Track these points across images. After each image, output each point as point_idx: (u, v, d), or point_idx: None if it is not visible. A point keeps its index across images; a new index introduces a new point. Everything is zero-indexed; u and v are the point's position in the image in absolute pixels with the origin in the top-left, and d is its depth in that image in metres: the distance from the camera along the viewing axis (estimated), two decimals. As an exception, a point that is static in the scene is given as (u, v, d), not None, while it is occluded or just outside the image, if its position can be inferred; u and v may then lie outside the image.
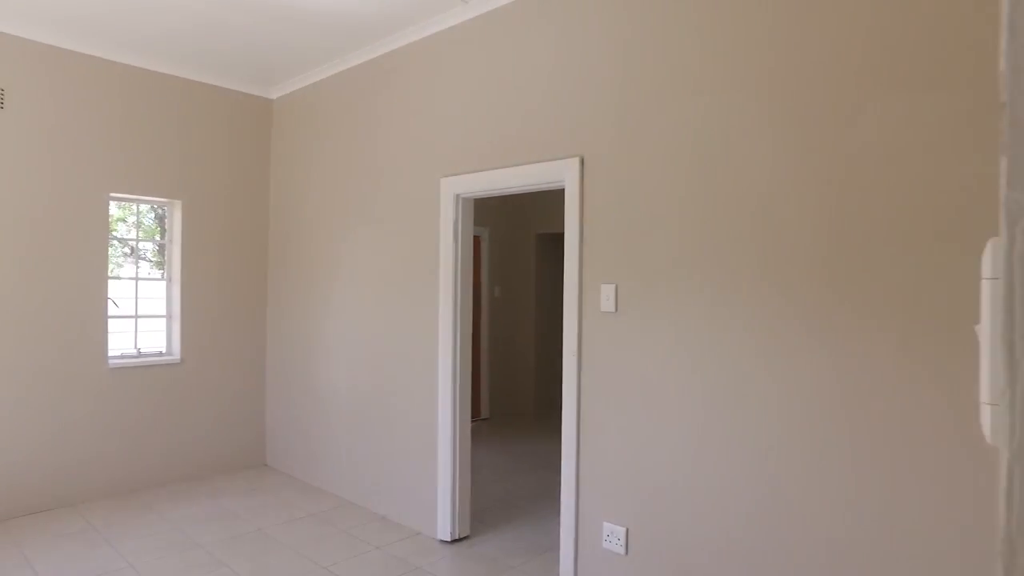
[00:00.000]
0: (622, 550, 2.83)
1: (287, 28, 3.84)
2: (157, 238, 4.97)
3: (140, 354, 4.59)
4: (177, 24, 3.80)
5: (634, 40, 2.82)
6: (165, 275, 4.77)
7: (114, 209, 4.57)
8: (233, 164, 4.92)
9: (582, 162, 2.99)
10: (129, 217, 4.95)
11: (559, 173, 3.07)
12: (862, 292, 2.17)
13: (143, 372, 4.49)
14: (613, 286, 2.87)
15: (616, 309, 2.86)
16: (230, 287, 4.91)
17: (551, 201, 6.88)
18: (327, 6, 3.53)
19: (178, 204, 4.67)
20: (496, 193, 3.45)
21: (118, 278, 4.63)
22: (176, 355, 4.67)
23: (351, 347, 4.30)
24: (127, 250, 5.12)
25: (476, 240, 6.57)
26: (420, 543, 3.60)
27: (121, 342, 4.56)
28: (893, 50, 2.11)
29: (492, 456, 5.46)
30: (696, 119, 2.61)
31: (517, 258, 7.15)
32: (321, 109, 4.61)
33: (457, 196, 3.59)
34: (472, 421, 3.68)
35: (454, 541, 3.61)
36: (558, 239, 7.27)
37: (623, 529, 2.83)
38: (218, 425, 4.86)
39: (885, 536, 2.11)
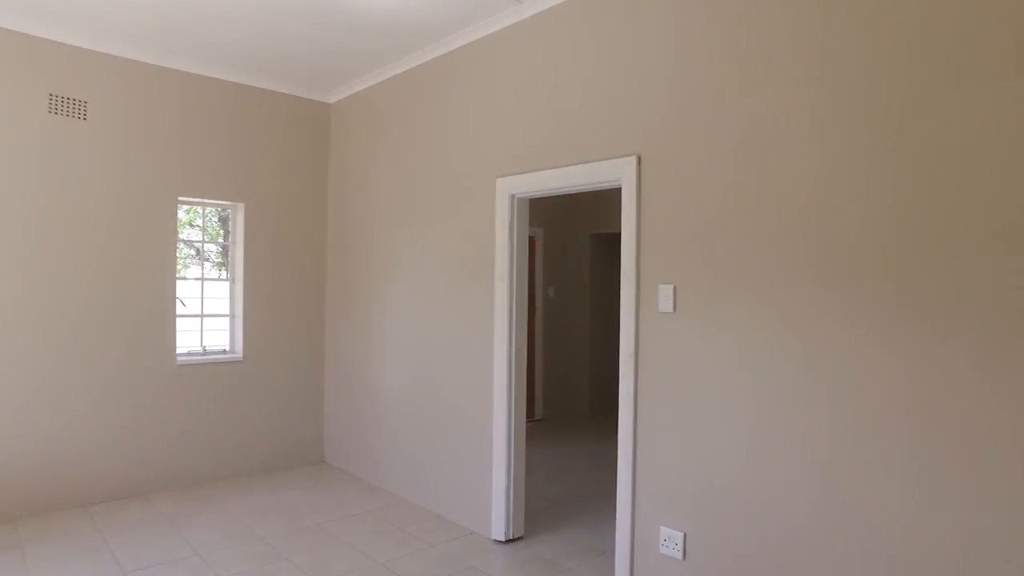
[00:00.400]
0: (680, 555, 2.77)
1: (345, 34, 3.92)
2: (221, 240, 5.14)
3: (205, 352, 4.75)
4: (242, 34, 3.92)
5: (692, 36, 2.76)
6: (228, 276, 4.93)
7: (181, 213, 4.75)
8: (293, 167, 5.05)
9: (639, 160, 2.94)
10: (195, 220, 5.14)
11: (615, 172, 3.03)
12: (934, 295, 2.06)
13: (208, 369, 4.65)
14: (671, 286, 2.81)
15: (674, 310, 2.81)
16: (290, 287, 5.04)
17: (606, 201, 6.82)
18: (383, 11, 3.58)
19: (241, 207, 4.82)
20: (552, 193, 3.43)
21: (184, 279, 4.81)
22: (239, 353, 4.81)
23: (407, 346, 4.35)
24: (193, 251, 5.32)
25: (531, 240, 6.57)
26: (474, 542, 3.61)
27: (188, 340, 4.74)
28: (964, 38, 2.00)
29: (546, 457, 5.44)
30: (758, 115, 2.53)
31: (572, 258, 7.11)
32: (377, 112, 4.69)
33: (512, 196, 3.59)
34: (526, 422, 3.67)
35: (508, 541, 3.61)
36: (613, 239, 7.20)
37: (681, 534, 2.77)
38: (278, 422, 4.99)
39: (955, 553, 1.99)
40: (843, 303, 2.28)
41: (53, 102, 3.96)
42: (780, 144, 2.46)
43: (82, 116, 4.07)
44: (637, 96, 2.97)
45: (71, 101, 4.02)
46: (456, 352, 3.94)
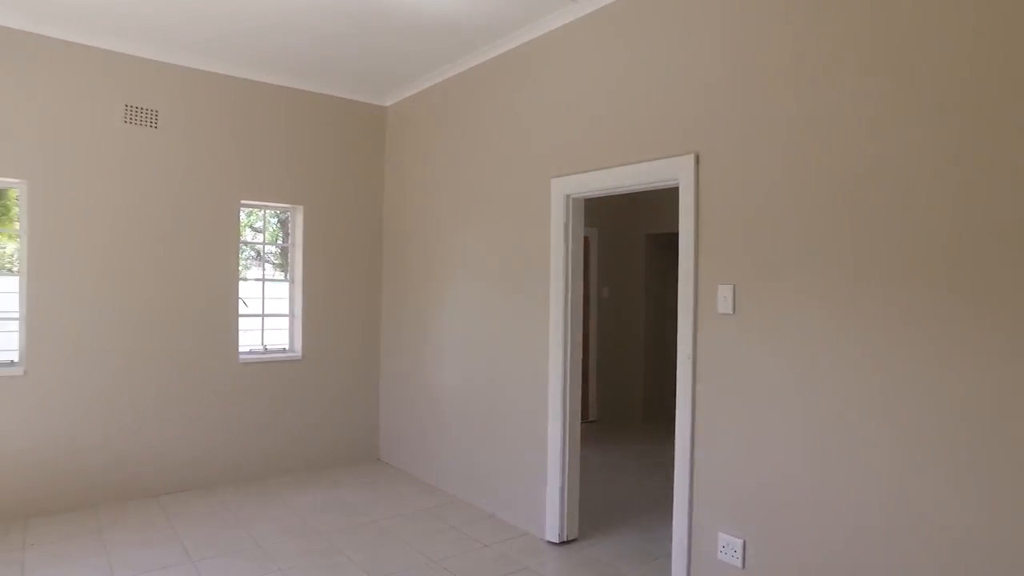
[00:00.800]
0: (739, 563, 2.70)
1: (400, 38, 3.97)
2: (280, 241, 5.29)
3: (266, 351, 4.90)
4: (301, 42, 4.02)
5: (752, 29, 2.69)
6: (288, 276, 5.06)
7: (242, 216, 4.91)
8: (350, 170, 5.15)
9: (697, 159, 2.89)
10: (255, 222, 5.30)
11: (673, 171, 2.99)
12: (1015, 297, 1.95)
13: (268, 367, 4.79)
14: (731, 287, 2.75)
15: (734, 311, 2.74)
16: (347, 287, 5.15)
17: (662, 200, 6.72)
18: (437, 14, 3.61)
19: (300, 209, 4.95)
20: (607, 193, 3.40)
21: (246, 279, 4.96)
22: (298, 352, 4.94)
23: (462, 347, 4.39)
24: (254, 253, 5.49)
25: (585, 240, 6.53)
26: (528, 543, 3.61)
27: (250, 339, 4.89)
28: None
29: (601, 459, 5.39)
30: (821, 109, 2.45)
31: (626, 258, 7.03)
32: (432, 114, 4.74)
33: (567, 197, 3.57)
34: (580, 423, 3.65)
35: (562, 543, 3.59)
36: (669, 239, 7.09)
37: (740, 541, 2.70)
38: (335, 420, 5.10)
39: (1049, 567, 1.88)
40: (919, 305, 2.18)
41: (128, 112, 4.15)
42: (847, 138, 2.38)
43: (153, 125, 4.25)
44: (694, 93, 2.92)
45: (144, 111, 4.21)
46: (511, 352, 3.95)
